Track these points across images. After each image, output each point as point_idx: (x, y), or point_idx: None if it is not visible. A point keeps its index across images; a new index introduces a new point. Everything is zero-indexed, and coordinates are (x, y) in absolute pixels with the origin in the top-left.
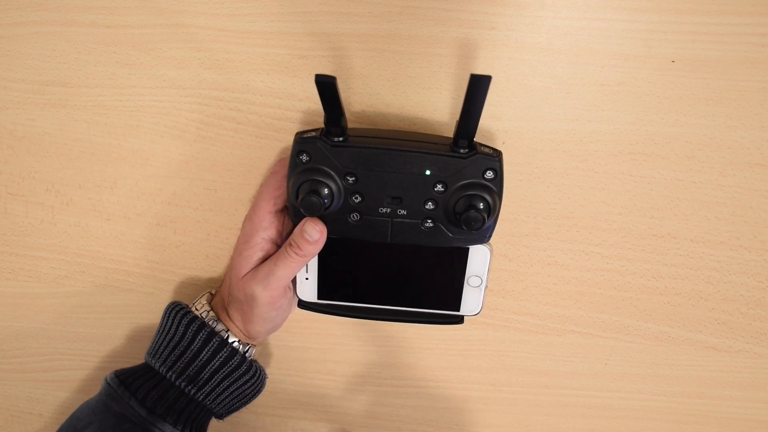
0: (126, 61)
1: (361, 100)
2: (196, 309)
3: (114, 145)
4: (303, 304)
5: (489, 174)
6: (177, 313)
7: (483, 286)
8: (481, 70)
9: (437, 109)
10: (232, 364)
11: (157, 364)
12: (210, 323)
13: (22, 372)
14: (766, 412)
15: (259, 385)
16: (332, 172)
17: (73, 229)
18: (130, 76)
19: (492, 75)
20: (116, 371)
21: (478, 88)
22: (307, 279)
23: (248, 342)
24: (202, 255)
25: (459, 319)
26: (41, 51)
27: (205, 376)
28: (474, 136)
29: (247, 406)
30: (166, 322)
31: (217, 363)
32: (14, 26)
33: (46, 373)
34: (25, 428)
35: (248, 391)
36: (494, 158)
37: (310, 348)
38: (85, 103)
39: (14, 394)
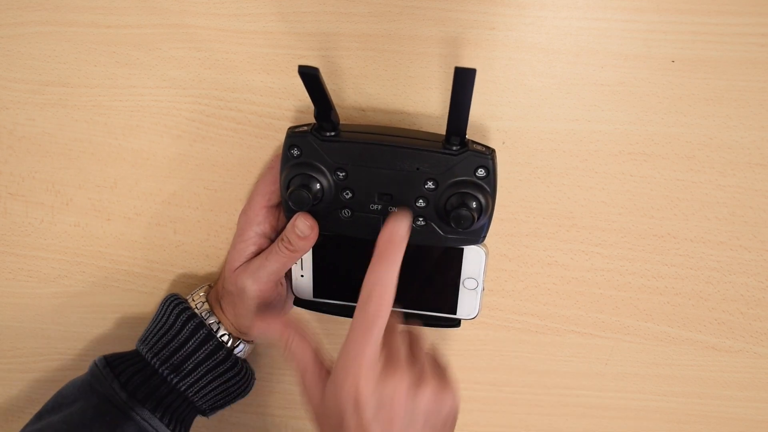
0: (126, 61)
1: (361, 100)
2: (193, 300)
3: (114, 145)
4: (298, 302)
5: (481, 172)
6: (171, 302)
7: (479, 289)
8: (481, 70)
9: (438, 109)
10: (217, 358)
11: (144, 350)
12: (202, 315)
13: (22, 372)
14: (766, 412)
15: (245, 385)
16: (323, 167)
17: (73, 229)
18: (130, 76)
19: (492, 75)
20: (106, 355)
21: (463, 81)
22: (302, 276)
23: (240, 337)
24: (202, 255)
25: (456, 323)
26: (41, 51)
27: (189, 367)
28: (465, 133)
29: (248, 405)
30: (160, 311)
31: (202, 355)
32: (14, 26)
33: (46, 373)
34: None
35: (232, 388)
36: (486, 156)
37: None
38: (85, 103)
39: (14, 394)
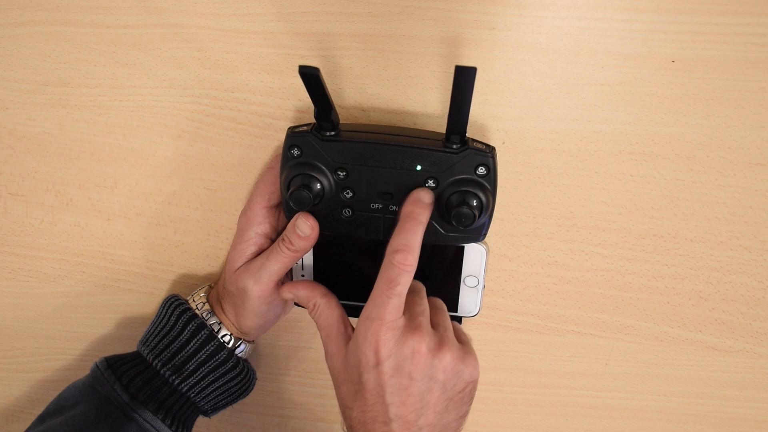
0: (126, 61)
1: (362, 99)
2: (194, 301)
3: (114, 145)
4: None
5: (481, 170)
6: (172, 303)
7: (480, 287)
8: (481, 70)
9: (438, 108)
10: (219, 358)
11: (146, 352)
12: (203, 315)
13: (22, 372)
14: (766, 412)
15: (247, 385)
16: (323, 167)
17: (73, 229)
18: (130, 76)
19: (492, 75)
20: (107, 356)
21: (464, 79)
22: (302, 276)
23: (240, 337)
24: (202, 255)
25: (457, 321)
26: (41, 51)
27: (191, 368)
28: (465, 131)
29: (248, 405)
30: (161, 312)
31: (204, 356)
32: (14, 26)
33: (46, 373)
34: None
35: (234, 388)
36: (487, 154)
37: (310, 348)
38: (85, 103)
39: (14, 394)
